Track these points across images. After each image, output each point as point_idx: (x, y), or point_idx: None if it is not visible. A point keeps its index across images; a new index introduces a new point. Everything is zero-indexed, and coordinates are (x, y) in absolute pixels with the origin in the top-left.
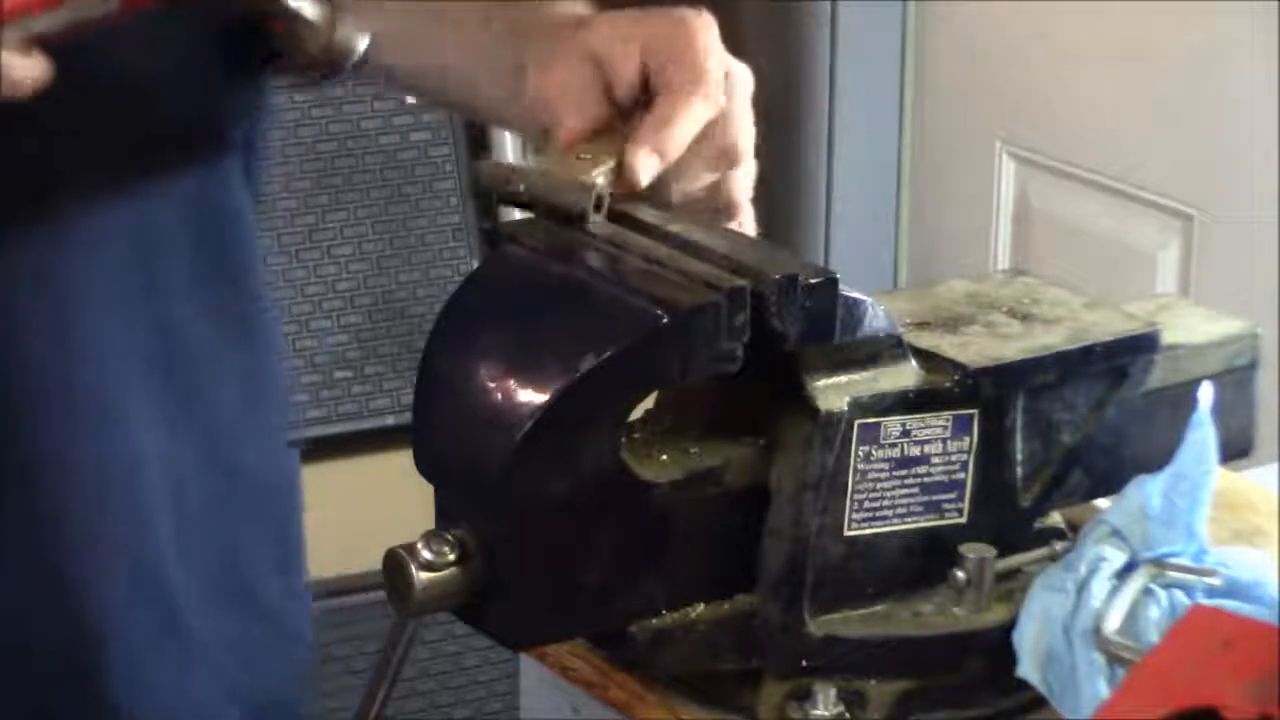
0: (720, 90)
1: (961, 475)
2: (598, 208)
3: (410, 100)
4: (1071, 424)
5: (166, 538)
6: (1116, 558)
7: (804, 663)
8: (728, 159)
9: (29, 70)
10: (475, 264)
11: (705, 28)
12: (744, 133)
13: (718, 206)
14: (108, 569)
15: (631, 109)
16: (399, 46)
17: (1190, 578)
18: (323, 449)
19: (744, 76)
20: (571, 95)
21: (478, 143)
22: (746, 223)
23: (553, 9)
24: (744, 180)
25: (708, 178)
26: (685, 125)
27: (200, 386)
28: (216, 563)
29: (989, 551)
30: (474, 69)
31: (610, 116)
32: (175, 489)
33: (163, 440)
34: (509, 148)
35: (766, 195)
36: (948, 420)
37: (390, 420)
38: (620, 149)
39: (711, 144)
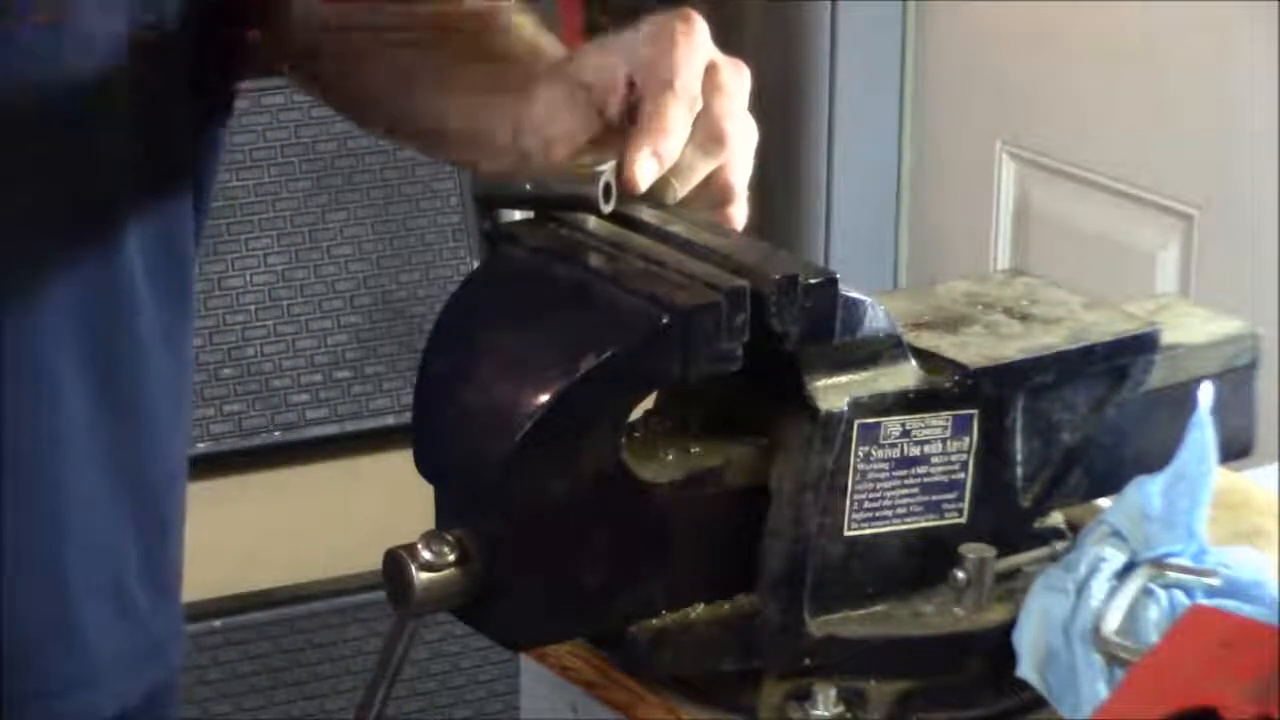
0: (698, 86)
1: (961, 475)
2: (606, 197)
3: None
4: (1071, 424)
5: (72, 526)
6: (1116, 558)
7: (804, 663)
8: (718, 146)
9: None
10: (475, 264)
11: (685, 29)
12: (732, 120)
13: (714, 194)
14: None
15: (623, 124)
16: (395, 110)
17: (1190, 578)
18: (323, 449)
19: (735, 69)
20: (562, 117)
21: None
22: (740, 210)
23: (536, 58)
24: (739, 166)
25: (703, 169)
26: (674, 127)
27: (134, 387)
28: (102, 560)
29: (989, 551)
30: (467, 128)
31: (603, 133)
32: (86, 476)
33: (89, 428)
34: None
35: (766, 195)
36: (948, 420)
37: (390, 420)
38: (616, 153)
39: (701, 135)
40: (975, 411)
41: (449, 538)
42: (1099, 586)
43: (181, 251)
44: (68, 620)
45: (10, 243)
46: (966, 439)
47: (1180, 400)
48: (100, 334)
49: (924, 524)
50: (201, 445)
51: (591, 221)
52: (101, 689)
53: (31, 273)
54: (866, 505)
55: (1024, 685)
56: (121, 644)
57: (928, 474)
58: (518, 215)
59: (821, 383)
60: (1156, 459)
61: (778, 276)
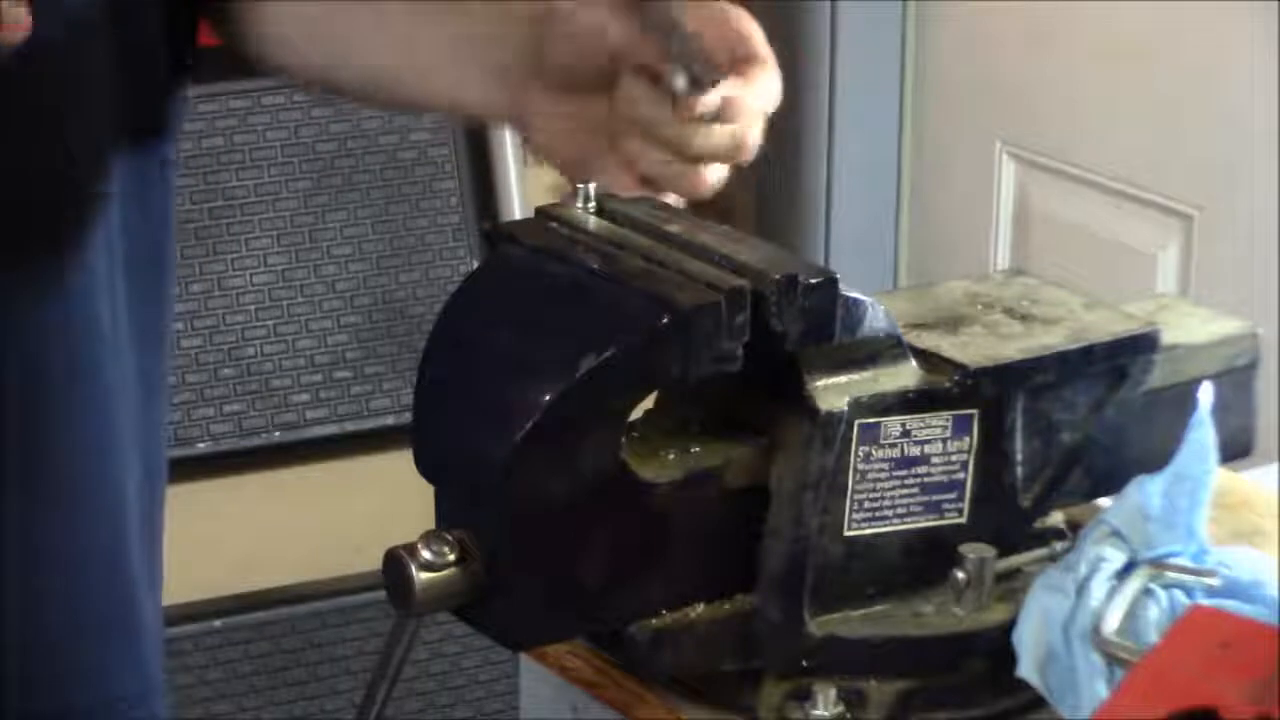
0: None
1: (961, 475)
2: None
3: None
4: (1071, 424)
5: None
6: (1116, 558)
7: (804, 663)
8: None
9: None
10: (475, 264)
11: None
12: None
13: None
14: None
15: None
16: (380, 50)
17: (1190, 578)
18: (323, 449)
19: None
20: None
21: (478, 144)
22: (770, 75)
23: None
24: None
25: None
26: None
27: (108, 382)
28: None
29: (989, 551)
30: (457, 69)
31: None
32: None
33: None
34: (509, 148)
35: (767, 195)
36: (948, 420)
37: (390, 420)
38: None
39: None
40: (975, 411)
41: (449, 538)
42: (1099, 586)
43: (163, 246)
44: (131, 624)
45: None
46: (966, 439)
47: (1180, 400)
48: (82, 323)
49: (924, 524)
50: (201, 445)
51: (592, 221)
52: (155, 698)
53: (19, 250)
54: (866, 505)
55: (1024, 685)
56: (136, 649)
57: (928, 474)
58: (517, 215)
59: (821, 383)
60: (1156, 459)
61: (778, 276)
